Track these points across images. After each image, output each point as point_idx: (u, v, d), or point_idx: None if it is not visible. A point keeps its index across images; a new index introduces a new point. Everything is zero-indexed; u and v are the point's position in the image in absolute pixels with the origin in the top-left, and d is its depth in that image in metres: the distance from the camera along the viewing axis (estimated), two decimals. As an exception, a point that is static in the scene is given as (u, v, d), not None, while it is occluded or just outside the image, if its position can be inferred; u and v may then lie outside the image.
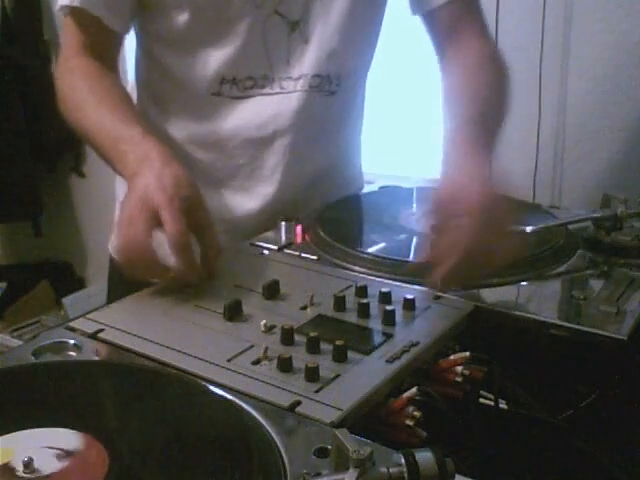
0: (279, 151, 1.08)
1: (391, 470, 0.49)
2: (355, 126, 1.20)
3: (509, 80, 1.04)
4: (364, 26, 1.09)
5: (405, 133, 1.88)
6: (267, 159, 1.09)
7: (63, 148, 2.62)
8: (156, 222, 0.79)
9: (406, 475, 0.49)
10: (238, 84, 1.05)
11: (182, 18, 1.01)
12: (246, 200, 1.10)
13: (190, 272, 0.80)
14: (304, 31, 1.04)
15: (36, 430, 0.56)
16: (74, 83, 1.01)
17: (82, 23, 1.02)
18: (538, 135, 1.71)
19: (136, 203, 0.81)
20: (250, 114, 1.06)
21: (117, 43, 1.07)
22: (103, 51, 1.04)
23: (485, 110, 0.96)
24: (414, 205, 1.09)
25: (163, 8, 1.01)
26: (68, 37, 1.05)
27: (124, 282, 0.84)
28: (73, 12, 1.02)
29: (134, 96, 1.12)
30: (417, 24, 1.10)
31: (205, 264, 0.84)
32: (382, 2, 1.10)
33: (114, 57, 1.07)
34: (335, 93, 1.09)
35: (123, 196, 0.86)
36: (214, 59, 1.03)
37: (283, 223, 0.98)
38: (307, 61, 1.05)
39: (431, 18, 1.08)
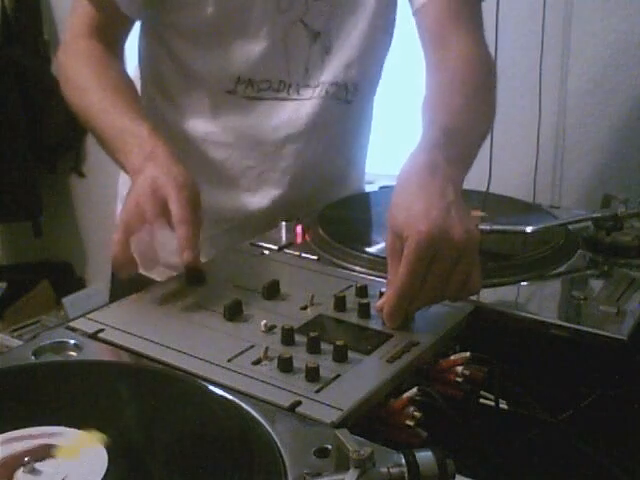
0: (290, 155, 1.09)
1: (391, 470, 0.49)
2: (366, 134, 1.21)
3: (493, 86, 0.98)
4: (381, 36, 1.10)
5: (405, 133, 1.88)
6: (278, 162, 1.09)
7: (63, 148, 2.62)
8: (163, 212, 0.80)
9: (406, 475, 0.49)
10: (254, 85, 1.05)
11: (206, 12, 1.00)
12: (254, 200, 1.11)
13: (192, 246, 0.79)
14: (325, 42, 1.05)
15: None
16: (80, 67, 1.01)
17: (95, 5, 1.02)
18: (538, 135, 1.71)
19: (145, 191, 0.81)
20: (264, 117, 1.06)
21: (127, 29, 1.06)
22: (112, 36, 1.04)
23: (458, 123, 0.87)
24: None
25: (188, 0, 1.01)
26: (78, 17, 1.04)
27: (127, 282, 0.84)
28: None
29: (138, 89, 1.12)
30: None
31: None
32: (394, 11, 1.10)
33: (122, 43, 1.07)
34: (351, 102, 1.09)
35: (127, 191, 0.86)
36: (233, 57, 1.03)
37: (283, 223, 0.98)
38: (326, 70, 1.06)
39: (417, 19, 1.04)
